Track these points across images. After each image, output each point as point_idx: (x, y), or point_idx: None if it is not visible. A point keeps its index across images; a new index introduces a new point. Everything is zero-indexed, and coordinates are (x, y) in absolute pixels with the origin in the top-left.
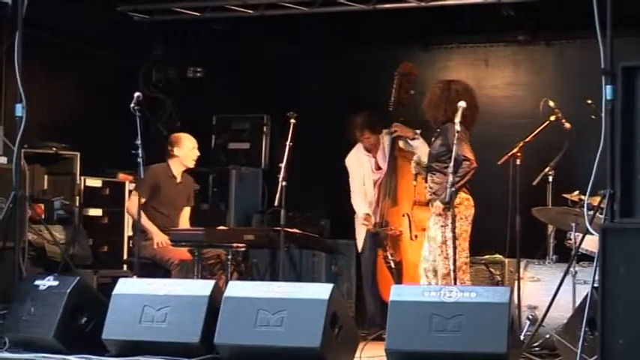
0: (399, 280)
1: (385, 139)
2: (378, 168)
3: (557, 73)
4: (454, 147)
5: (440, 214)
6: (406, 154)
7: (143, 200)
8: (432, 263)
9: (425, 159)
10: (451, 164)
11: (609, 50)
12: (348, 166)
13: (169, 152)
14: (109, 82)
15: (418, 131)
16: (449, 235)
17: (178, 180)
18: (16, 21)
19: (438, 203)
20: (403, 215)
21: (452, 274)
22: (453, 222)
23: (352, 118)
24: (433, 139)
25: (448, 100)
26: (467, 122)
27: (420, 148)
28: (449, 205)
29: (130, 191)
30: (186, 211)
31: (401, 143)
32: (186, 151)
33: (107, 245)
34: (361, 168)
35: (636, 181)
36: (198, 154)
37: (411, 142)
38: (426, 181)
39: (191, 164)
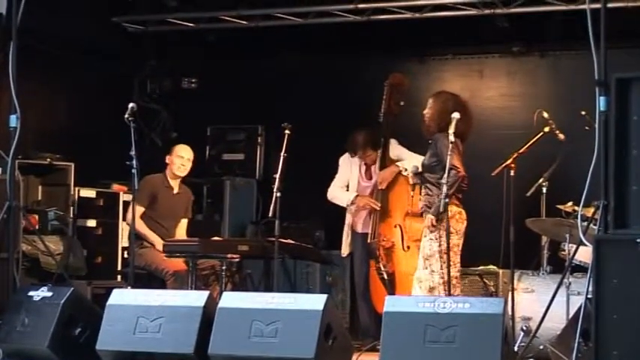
0: (392, 291)
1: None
2: (370, 178)
3: (551, 84)
4: (447, 158)
5: (433, 226)
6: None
7: (142, 209)
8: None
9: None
10: (445, 175)
11: (603, 62)
12: (340, 164)
13: (165, 161)
14: (103, 92)
15: (400, 163)
16: (437, 249)
17: (175, 191)
18: (11, 31)
19: (429, 215)
20: (395, 226)
21: (439, 287)
22: (447, 234)
23: (354, 135)
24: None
25: (455, 110)
26: (461, 135)
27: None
28: (441, 217)
29: (126, 202)
30: (184, 223)
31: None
32: (173, 158)
33: (101, 256)
34: (349, 171)
35: (630, 192)
36: (187, 168)
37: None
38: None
39: (178, 172)
